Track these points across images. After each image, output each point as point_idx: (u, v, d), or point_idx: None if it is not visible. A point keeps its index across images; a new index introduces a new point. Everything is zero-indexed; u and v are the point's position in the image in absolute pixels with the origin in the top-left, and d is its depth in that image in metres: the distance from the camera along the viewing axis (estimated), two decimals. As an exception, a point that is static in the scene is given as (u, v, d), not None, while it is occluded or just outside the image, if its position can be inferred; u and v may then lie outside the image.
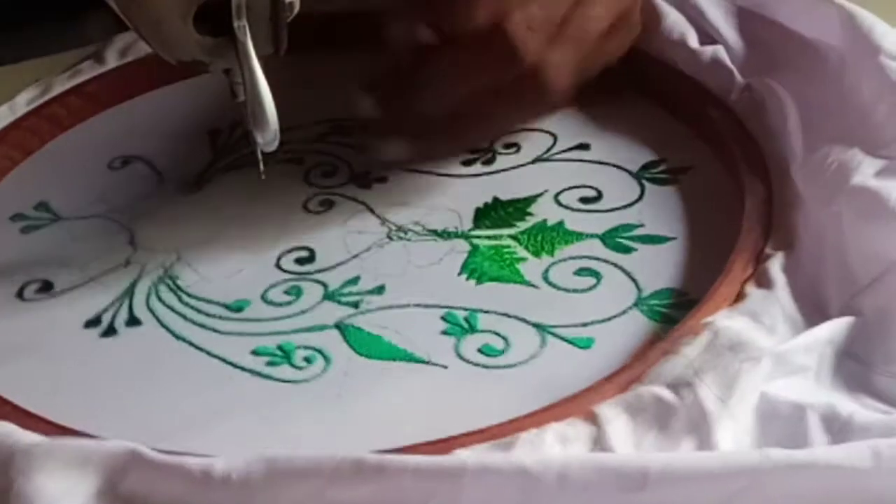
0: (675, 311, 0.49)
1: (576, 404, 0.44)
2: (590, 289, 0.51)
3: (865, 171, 0.49)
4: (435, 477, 0.40)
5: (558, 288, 0.51)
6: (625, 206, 0.56)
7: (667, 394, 0.43)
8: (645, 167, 0.58)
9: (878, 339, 0.46)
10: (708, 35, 0.62)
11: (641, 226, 0.54)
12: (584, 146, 0.59)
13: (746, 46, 0.61)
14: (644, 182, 0.57)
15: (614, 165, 0.58)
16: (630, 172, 0.57)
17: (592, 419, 0.43)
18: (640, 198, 0.56)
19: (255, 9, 0.48)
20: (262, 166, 0.53)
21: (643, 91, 0.61)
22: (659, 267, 0.52)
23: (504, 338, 0.49)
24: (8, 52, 0.69)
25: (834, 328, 0.45)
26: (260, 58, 0.49)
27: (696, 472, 0.39)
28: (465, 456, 0.41)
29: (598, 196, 0.56)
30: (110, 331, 0.52)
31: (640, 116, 0.61)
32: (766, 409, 0.43)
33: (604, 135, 0.60)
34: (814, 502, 0.39)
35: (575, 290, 0.51)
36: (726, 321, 0.45)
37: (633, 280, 0.51)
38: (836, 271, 0.47)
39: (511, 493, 0.40)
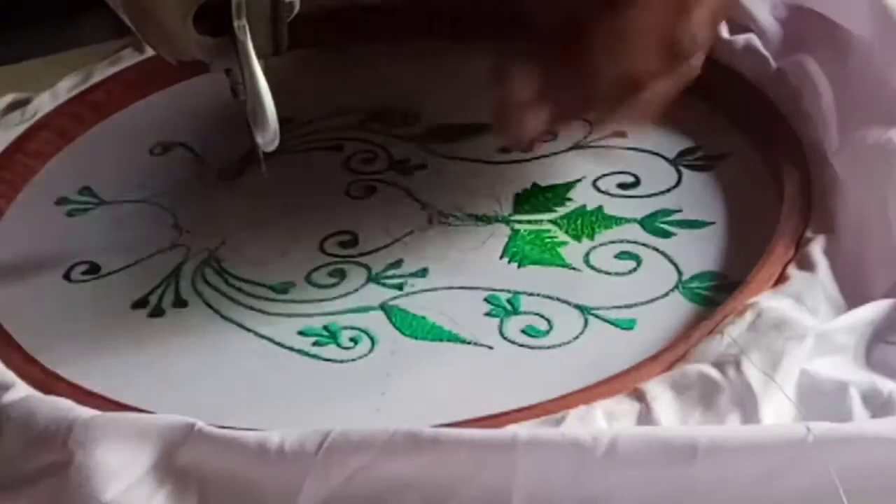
0: (715, 293, 0.50)
1: (623, 381, 0.44)
2: (631, 272, 0.52)
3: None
4: (488, 449, 0.41)
5: (599, 271, 0.52)
6: (663, 192, 0.56)
7: (712, 371, 0.44)
8: (682, 154, 0.58)
9: None
10: (740, 23, 0.62)
11: (680, 211, 0.55)
12: (620, 134, 0.60)
13: (779, 33, 0.61)
14: (681, 168, 0.57)
15: (651, 152, 0.59)
16: (667, 159, 0.58)
17: (640, 396, 0.44)
18: (678, 184, 0.57)
19: (255, 9, 0.48)
20: (263, 167, 0.53)
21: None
22: (699, 251, 0.52)
23: (547, 319, 0.50)
24: (8, 52, 0.70)
25: (876, 309, 0.46)
26: (260, 58, 0.49)
27: (743, 444, 0.40)
28: (517, 430, 0.41)
29: (636, 182, 0.57)
30: (158, 312, 0.53)
31: (675, 105, 0.61)
32: (808, 385, 0.44)
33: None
34: (857, 474, 0.40)
35: (616, 273, 0.52)
36: (770, 302, 0.46)
37: (674, 263, 0.52)
38: (878, 253, 0.48)
39: (563, 466, 0.40)
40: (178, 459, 0.42)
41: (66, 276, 0.55)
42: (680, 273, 0.52)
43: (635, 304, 0.50)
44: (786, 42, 0.61)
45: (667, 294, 0.51)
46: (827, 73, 0.57)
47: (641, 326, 0.49)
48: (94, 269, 0.55)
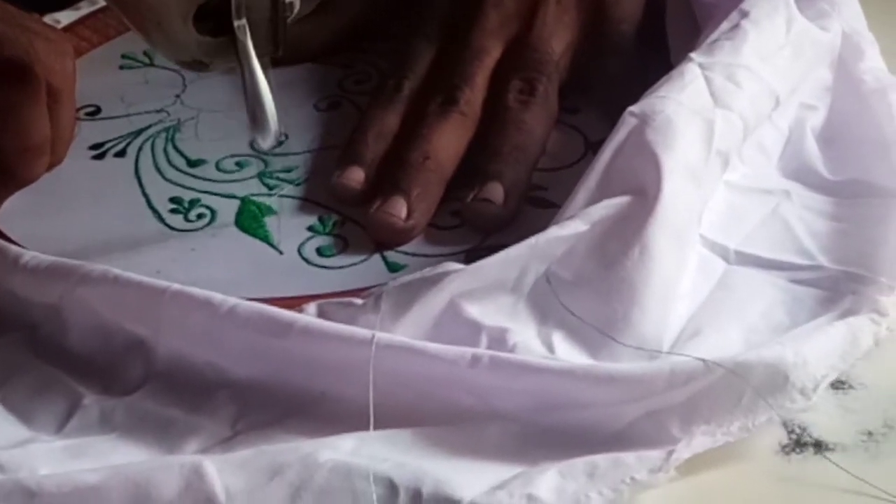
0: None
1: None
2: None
3: None
4: (142, 292, 0.49)
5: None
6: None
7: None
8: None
9: None
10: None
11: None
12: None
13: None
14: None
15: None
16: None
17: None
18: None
19: (255, 9, 0.50)
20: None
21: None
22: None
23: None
24: None
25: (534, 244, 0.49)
26: (260, 58, 0.51)
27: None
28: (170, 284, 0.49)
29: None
30: (100, 156, 0.63)
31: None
32: (450, 320, 0.48)
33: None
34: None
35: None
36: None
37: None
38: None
39: (198, 316, 0.48)
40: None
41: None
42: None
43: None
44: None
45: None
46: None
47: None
48: (96, 112, 0.66)
